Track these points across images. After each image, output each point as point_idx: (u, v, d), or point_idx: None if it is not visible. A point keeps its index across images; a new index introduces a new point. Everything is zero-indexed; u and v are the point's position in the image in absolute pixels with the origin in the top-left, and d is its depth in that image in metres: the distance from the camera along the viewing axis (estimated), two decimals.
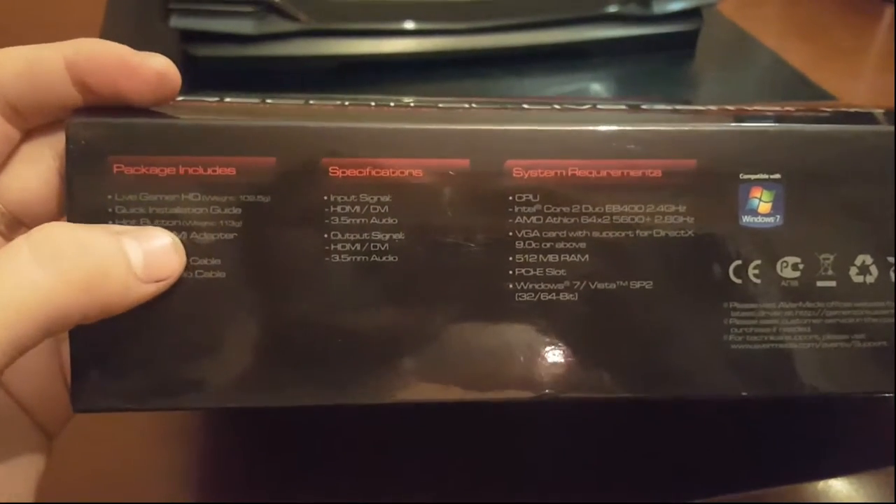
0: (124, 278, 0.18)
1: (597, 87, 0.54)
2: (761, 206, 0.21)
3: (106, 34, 0.53)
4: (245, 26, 0.49)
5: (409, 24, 0.51)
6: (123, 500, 0.28)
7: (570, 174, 0.20)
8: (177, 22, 0.48)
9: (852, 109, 0.24)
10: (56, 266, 0.17)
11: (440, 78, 0.53)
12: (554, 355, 0.21)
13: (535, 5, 0.52)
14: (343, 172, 0.20)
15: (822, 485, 0.29)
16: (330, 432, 0.30)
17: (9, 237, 0.21)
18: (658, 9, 0.54)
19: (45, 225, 0.18)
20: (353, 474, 0.29)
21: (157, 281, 0.19)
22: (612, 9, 0.53)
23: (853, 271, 0.21)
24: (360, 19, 0.50)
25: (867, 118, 0.23)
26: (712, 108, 0.24)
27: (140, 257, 0.18)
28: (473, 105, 0.23)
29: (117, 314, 0.18)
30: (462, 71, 0.53)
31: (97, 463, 0.28)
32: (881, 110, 0.24)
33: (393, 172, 0.20)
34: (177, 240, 0.20)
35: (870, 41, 0.66)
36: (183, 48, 0.50)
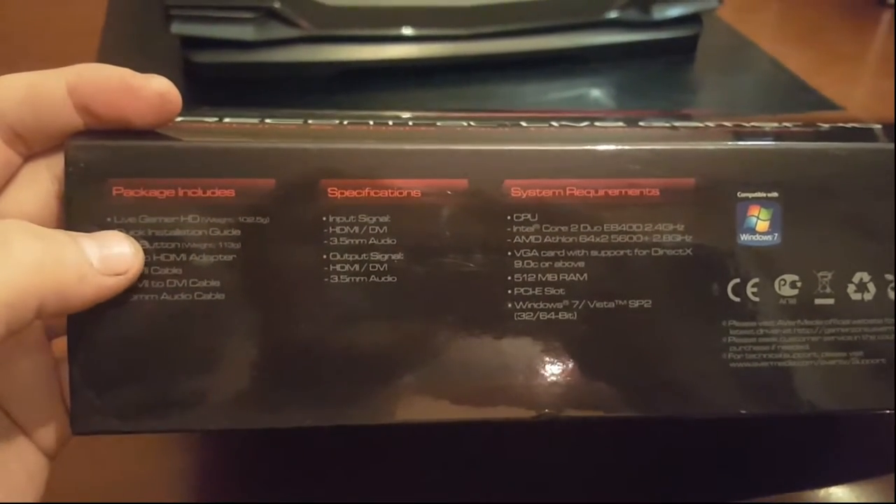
0: (78, 265, 0.18)
1: (596, 94, 0.54)
2: (759, 224, 0.21)
3: (106, 40, 0.53)
4: (246, 32, 0.49)
5: (410, 31, 0.51)
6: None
7: (568, 193, 0.21)
8: (177, 28, 0.48)
9: (850, 125, 0.24)
10: (5, 250, 0.17)
11: (440, 84, 0.53)
12: (553, 374, 0.21)
13: (535, 11, 0.52)
14: (342, 193, 0.20)
15: (823, 492, 0.29)
16: (328, 435, 0.30)
17: None
18: (658, 14, 0.54)
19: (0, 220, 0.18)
20: (354, 474, 0.29)
21: (116, 274, 0.19)
22: (612, 14, 0.53)
23: (851, 289, 0.21)
24: (360, 25, 0.50)
25: (866, 134, 0.23)
26: (710, 124, 0.24)
27: (95, 250, 0.19)
28: (471, 123, 0.23)
29: (78, 308, 0.18)
30: (462, 77, 0.53)
31: (96, 470, 0.28)
32: (880, 126, 0.24)
33: (391, 193, 0.20)
34: (131, 238, 0.20)
35: (869, 46, 0.66)
36: (183, 54, 0.50)
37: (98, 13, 0.56)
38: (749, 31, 0.62)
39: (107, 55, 0.52)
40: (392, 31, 0.51)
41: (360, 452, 0.30)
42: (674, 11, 0.54)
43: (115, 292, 0.19)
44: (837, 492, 0.29)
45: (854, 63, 0.63)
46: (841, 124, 0.24)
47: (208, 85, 0.50)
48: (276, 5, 0.48)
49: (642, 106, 0.52)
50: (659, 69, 0.56)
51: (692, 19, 0.56)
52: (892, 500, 0.29)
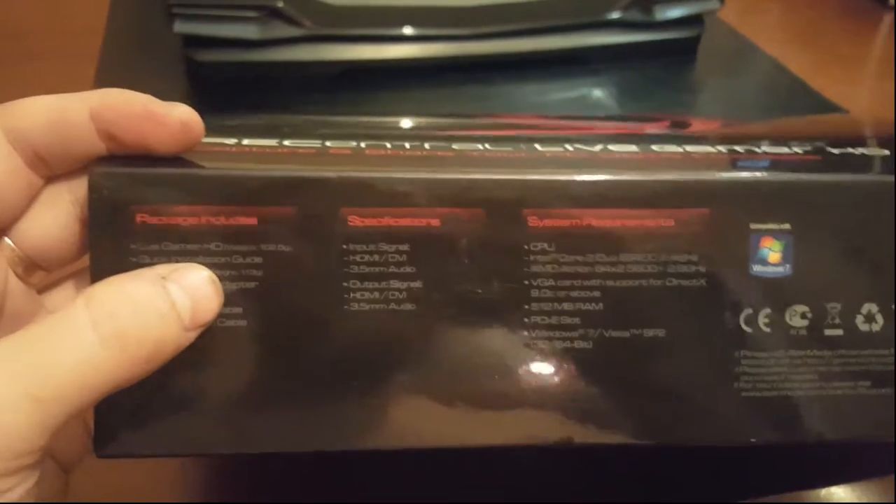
0: (178, 341, 0.18)
1: (598, 94, 0.54)
2: (771, 255, 0.21)
3: (109, 40, 0.53)
4: (249, 31, 0.49)
5: (412, 30, 0.51)
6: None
7: (584, 223, 0.21)
8: (180, 27, 0.48)
9: (859, 151, 0.24)
10: (121, 345, 0.17)
11: (442, 83, 0.53)
12: (568, 402, 0.21)
13: (538, 12, 0.52)
14: (362, 221, 0.20)
15: (823, 492, 0.29)
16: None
17: (25, 279, 0.21)
18: (659, 15, 0.54)
19: (102, 287, 0.18)
20: (353, 474, 0.29)
21: (200, 327, 0.19)
22: (614, 15, 0.54)
23: (859, 319, 0.22)
24: (363, 25, 0.50)
25: (874, 163, 0.24)
26: (722, 149, 0.24)
27: (187, 305, 0.19)
28: (487, 146, 0.24)
29: None
30: (464, 76, 0.53)
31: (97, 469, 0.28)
32: (888, 153, 0.24)
33: (411, 222, 0.20)
34: (214, 278, 0.20)
35: (869, 48, 0.66)
36: (186, 53, 0.50)
37: (101, 12, 0.56)
38: (750, 33, 0.62)
39: (109, 54, 0.52)
40: (395, 31, 0.51)
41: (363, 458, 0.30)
42: (675, 12, 0.55)
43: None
44: (837, 492, 0.29)
45: (855, 65, 0.63)
46: (850, 150, 0.24)
47: (210, 84, 0.51)
48: (280, 4, 0.48)
49: (643, 107, 0.52)
50: (660, 70, 0.56)
51: (694, 20, 0.57)
52: (892, 501, 0.29)
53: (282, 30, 0.49)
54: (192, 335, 0.19)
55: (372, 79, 0.52)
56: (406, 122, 0.33)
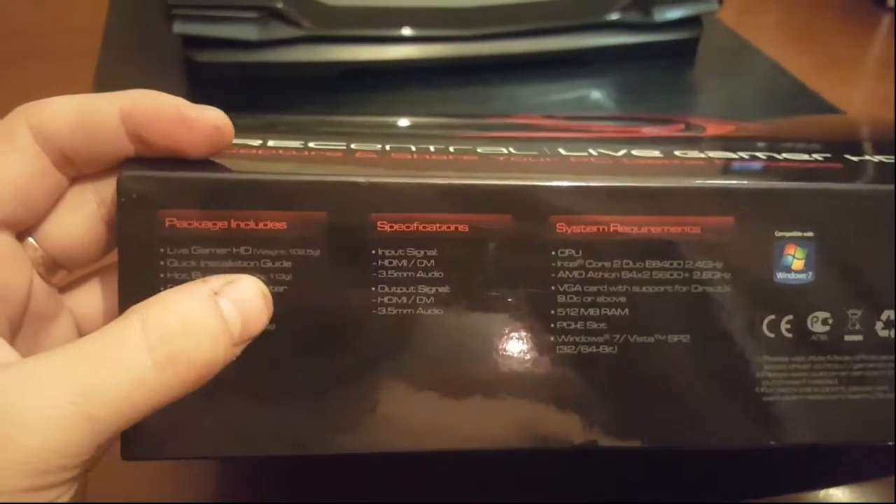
0: (227, 357, 0.18)
1: (597, 95, 0.54)
2: (795, 262, 0.22)
3: (108, 40, 0.53)
4: (248, 32, 0.49)
5: (412, 31, 0.51)
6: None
7: (612, 230, 0.21)
8: (180, 28, 0.48)
9: (877, 159, 0.25)
10: (174, 371, 0.17)
11: (442, 85, 0.53)
12: (592, 407, 0.21)
13: (537, 13, 0.52)
14: (391, 227, 0.20)
15: (823, 493, 0.29)
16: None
17: (47, 279, 0.21)
18: (659, 17, 0.54)
19: (159, 306, 0.17)
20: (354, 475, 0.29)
21: (248, 341, 0.19)
22: (613, 16, 0.54)
23: (879, 326, 0.22)
24: (362, 26, 0.50)
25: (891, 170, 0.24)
26: (745, 155, 0.24)
27: (238, 321, 0.18)
28: (511, 150, 0.24)
29: None
30: (464, 78, 0.53)
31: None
32: None
33: (440, 227, 0.20)
34: (265, 289, 0.19)
35: (868, 49, 0.66)
36: (185, 54, 0.50)
37: (100, 12, 0.56)
38: (749, 34, 0.62)
39: (108, 55, 0.52)
40: (394, 32, 0.51)
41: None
42: (674, 14, 0.55)
43: None
44: (837, 492, 0.29)
45: (853, 66, 0.63)
46: (867, 157, 0.25)
47: (210, 84, 0.51)
48: (279, 5, 0.48)
49: (643, 108, 0.52)
50: (659, 71, 0.56)
51: (692, 22, 0.57)
52: (892, 501, 0.29)
53: (281, 31, 0.49)
54: (240, 349, 0.19)
55: (372, 80, 0.52)
56: (404, 122, 0.33)
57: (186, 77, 0.50)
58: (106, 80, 0.49)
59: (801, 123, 0.39)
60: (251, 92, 0.51)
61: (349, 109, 0.50)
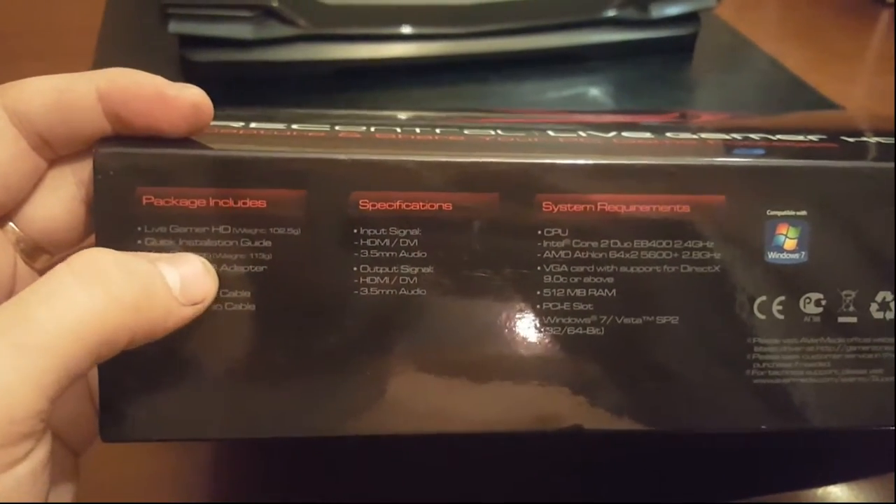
0: (166, 300, 0.18)
1: (594, 92, 0.54)
2: (787, 242, 0.21)
3: (104, 39, 0.53)
4: (243, 31, 0.48)
5: (408, 29, 0.51)
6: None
7: (599, 209, 0.20)
8: (175, 27, 0.48)
9: (874, 140, 0.24)
10: (104, 288, 0.17)
11: (438, 82, 0.53)
12: (579, 388, 0.21)
13: (533, 10, 0.52)
14: (373, 206, 0.20)
15: (822, 492, 0.29)
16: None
17: (30, 264, 0.20)
18: (656, 13, 0.54)
19: (85, 251, 0.17)
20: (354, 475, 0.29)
21: (194, 304, 0.19)
22: (610, 13, 0.53)
23: (874, 307, 0.22)
24: (358, 24, 0.50)
25: (889, 150, 0.23)
26: (738, 136, 0.24)
27: (177, 280, 0.18)
28: (499, 131, 0.23)
29: (157, 339, 0.18)
30: (460, 75, 0.53)
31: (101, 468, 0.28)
32: None
33: (423, 206, 0.20)
34: (207, 263, 0.19)
35: (866, 44, 0.66)
36: (181, 53, 0.49)
37: (96, 11, 0.55)
38: (747, 30, 0.62)
39: (104, 54, 0.52)
40: (390, 30, 0.51)
41: (367, 451, 0.30)
42: (672, 10, 0.54)
43: (191, 321, 0.19)
44: (837, 491, 0.29)
45: (852, 61, 0.63)
46: (864, 139, 0.24)
47: (206, 84, 0.50)
48: (275, 4, 0.48)
49: (640, 105, 0.52)
50: (657, 68, 0.56)
51: (690, 18, 0.56)
52: (892, 501, 0.29)
53: (277, 29, 0.49)
54: (189, 311, 0.19)
55: (368, 78, 0.52)
56: (398, 115, 0.33)
57: (182, 76, 0.50)
58: None
59: (799, 119, 0.39)
60: (247, 91, 0.50)
61: (345, 108, 0.50)
